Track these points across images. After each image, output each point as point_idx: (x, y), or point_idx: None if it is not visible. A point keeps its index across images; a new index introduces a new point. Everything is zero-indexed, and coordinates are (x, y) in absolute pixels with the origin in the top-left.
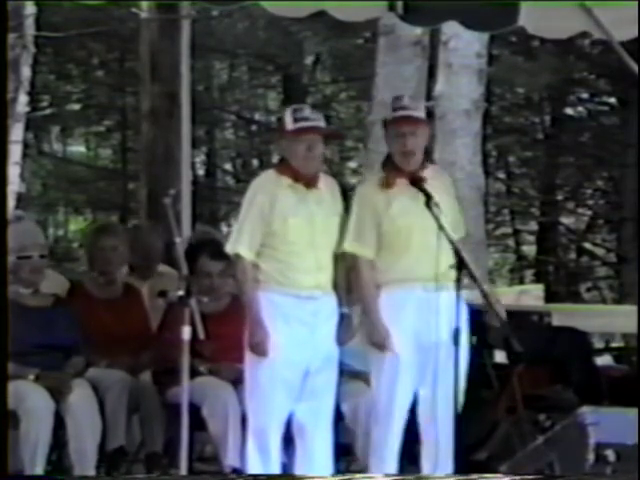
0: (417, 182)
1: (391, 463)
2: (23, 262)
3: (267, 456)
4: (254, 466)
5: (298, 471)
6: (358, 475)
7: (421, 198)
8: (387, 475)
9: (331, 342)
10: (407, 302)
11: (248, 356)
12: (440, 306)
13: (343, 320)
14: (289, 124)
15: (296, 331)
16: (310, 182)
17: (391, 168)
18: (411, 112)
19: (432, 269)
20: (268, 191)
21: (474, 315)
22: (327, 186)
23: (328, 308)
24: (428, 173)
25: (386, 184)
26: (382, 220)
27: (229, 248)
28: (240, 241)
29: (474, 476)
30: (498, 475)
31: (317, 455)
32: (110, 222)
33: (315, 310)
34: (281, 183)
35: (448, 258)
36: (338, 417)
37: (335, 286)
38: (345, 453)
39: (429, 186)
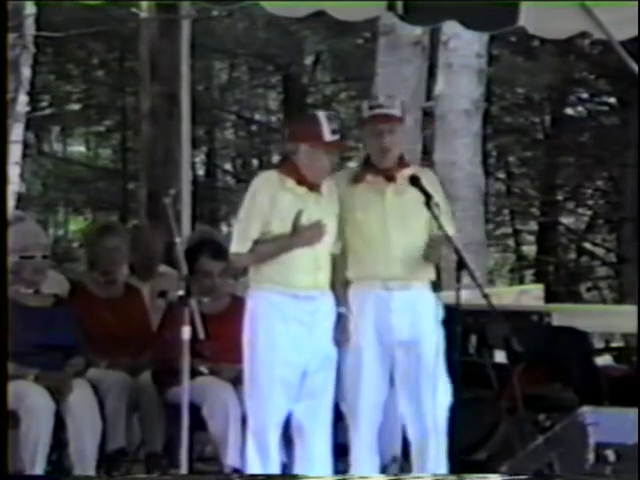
0: (417, 182)
1: (367, 461)
2: (25, 262)
3: (266, 455)
4: (253, 465)
5: (297, 471)
6: (355, 475)
7: (387, 197)
8: (384, 475)
9: (329, 341)
10: (368, 300)
11: (246, 355)
12: (403, 304)
13: (340, 320)
14: (327, 135)
15: (294, 330)
16: (314, 186)
17: (365, 165)
18: (387, 110)
19: (394, 267)
20: (268, 191)
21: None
22: (326, 186)
23: (326, 308)
24: (409, 172)
25: (355, 180)
26: (343, 215)
27: (234, 248)
28: (247, 241)
29: (473, 476)
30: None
31: (316, 454)
32: (111, 221)
33: (313, 310)
34: (283, 185)
35: (411, 256)
36: (338, 417)
37: (333, 286)
38: (345, 453)
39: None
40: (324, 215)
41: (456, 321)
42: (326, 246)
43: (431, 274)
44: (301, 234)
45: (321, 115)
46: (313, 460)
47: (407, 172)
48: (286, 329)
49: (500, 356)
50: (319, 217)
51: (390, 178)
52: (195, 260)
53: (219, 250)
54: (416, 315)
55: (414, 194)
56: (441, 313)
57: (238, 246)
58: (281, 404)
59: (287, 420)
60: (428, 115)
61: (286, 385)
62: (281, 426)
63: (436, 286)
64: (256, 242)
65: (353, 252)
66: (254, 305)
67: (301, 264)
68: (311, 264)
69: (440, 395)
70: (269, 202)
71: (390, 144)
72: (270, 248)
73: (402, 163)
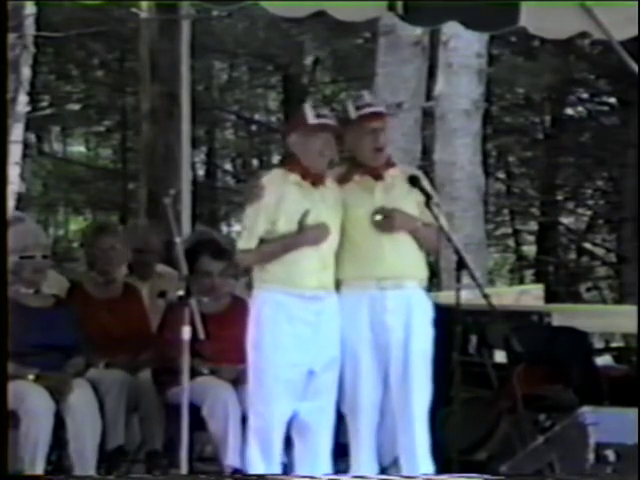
0: (417, 182)
1: (367, 461)
2: (25, 262)
3: (269, 455)
4: (256, 465)
5: (299, 470)
6: (350, 475)
7: (376, 195)
8: (378, 475)
9: (334, 342)
10: (362, 300)
11: (251, 356)
12: (397, 304)
13: None
14: (310, 118)
15: (300, 331)
16: (317, 180)
17: (352, 164)
18: (377, 108)
19: (386, 266)
20: (275, 189)
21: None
22: (331, 185)
23: (332, 308)
24: (395, 170)
25: (341, 180)
26: None
27: (242, 245)
28: (254, 238)
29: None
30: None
31: (319, 454)
32: (108, 222)
33: (319, 310)
34: (289, 180)
35: (402, 254)
36: (338, 418)
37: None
38: (345, 453)
39: (396, 183)
40: (330, 213)
41: (456, 321)
42: (332, 245)
43: (423, 272)
44: (306, 234)
45: (305, 104)
46: (316, 459)
47: (393, 171)
48: (291, 329)
49: (500, 356)
50: (325, 215)
51: (378, 177)
52: (195, 260)
53: (219, 250)
54: (409, 314)
55: (401, 192)
56: (432, 312)
57: (246, 243)
58: (286, 404)
59: (290, 420)
60: (428, 115)
61: (291, 385)
62: (285, 426)
63: (429, 284)
64: (262, 240)
65: (345, 252)
66: (259, 305)
67: (307, 264)
68: (317, 264)
69: (424, 394)
70: (276, 199)
71: (384, 142)
72: (275, 247)
73: (389, 162)
